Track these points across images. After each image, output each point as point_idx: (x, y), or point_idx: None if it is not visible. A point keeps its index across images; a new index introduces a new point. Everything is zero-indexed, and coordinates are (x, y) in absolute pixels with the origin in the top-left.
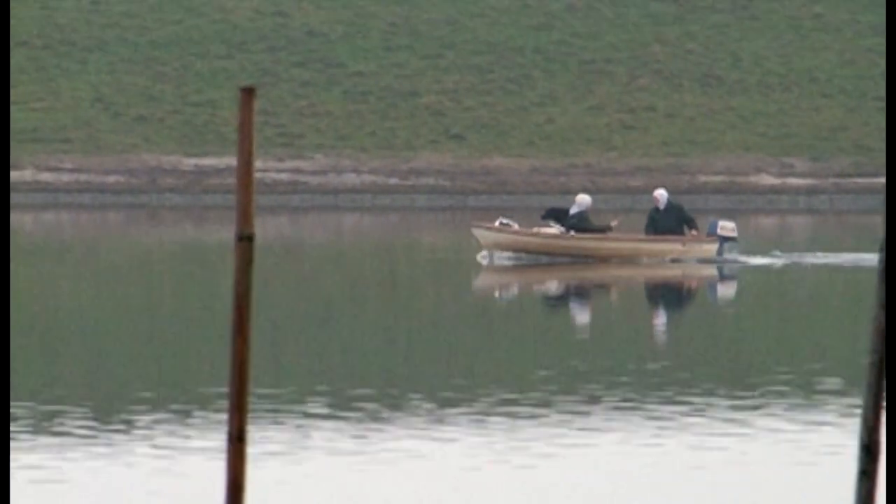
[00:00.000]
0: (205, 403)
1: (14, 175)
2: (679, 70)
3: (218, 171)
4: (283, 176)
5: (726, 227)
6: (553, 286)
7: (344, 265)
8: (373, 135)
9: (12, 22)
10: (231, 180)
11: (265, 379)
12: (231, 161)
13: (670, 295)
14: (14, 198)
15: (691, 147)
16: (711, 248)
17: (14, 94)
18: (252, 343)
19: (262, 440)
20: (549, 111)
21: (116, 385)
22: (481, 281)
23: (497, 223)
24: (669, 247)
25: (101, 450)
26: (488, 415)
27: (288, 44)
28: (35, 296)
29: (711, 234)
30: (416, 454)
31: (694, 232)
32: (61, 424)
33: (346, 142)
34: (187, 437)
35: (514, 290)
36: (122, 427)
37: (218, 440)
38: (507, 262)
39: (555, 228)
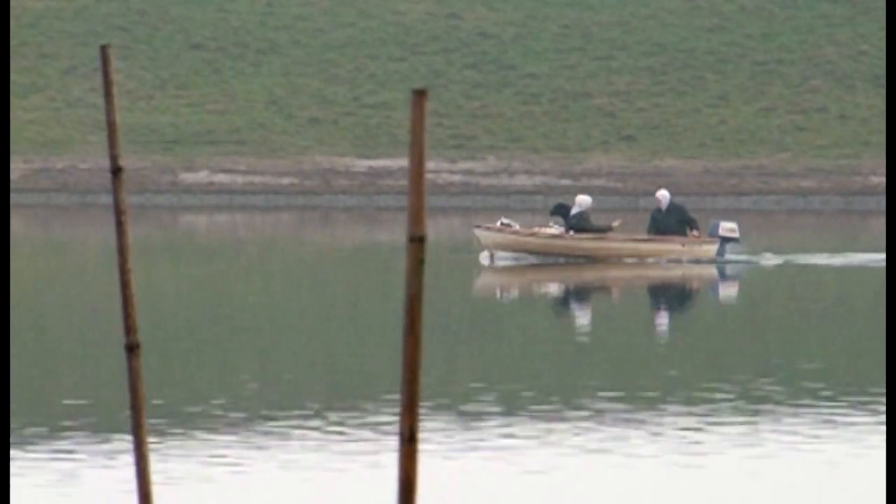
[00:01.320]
0: (376, 403)
1: (188, 177)
2: (851, 71)
3: (390, 173)
4: (455, 177)
5: (727, 227)
6: (555, 287)
7: (514, 267)
8: (544, 136)
9: (188, 24)
10: (403, 182)
11: (435, 379)
12: (403, 162)
13: (668, 296)
14: (188, 200)
15: (863, 148)
16: (710, 249)
17: (189, 96)
18: (424, 343)
19: (434, 440)
20: (721, 112)
21: (287, 385)
22: (482, 281)
23: (498, 223)
24: (668, 247)
25: (270, 452)
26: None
27: (460, 45)
28: (209, 297)
29: (713, 234)
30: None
31: (695, 233)
32: (234, 424)
33: (518, 143)
34: (359, 436)
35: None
36: (291, 427)
37: (385, 441)
38: (507, 263)
39: (554, 229)
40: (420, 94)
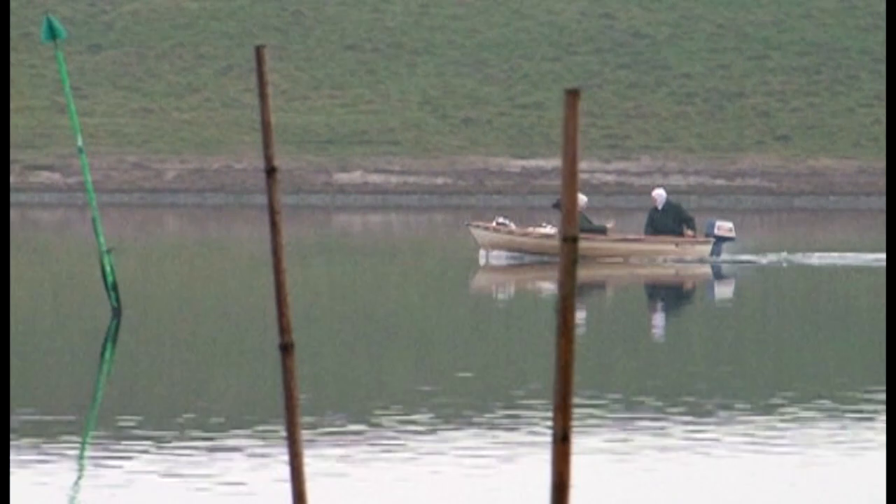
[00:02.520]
0: (528, 403)
1: (343, 177)
2: None
3: (544, 173)
4: (609, 177)
5: (723, 227)
6: (547, 287)
7: (672, 267)
8: (699, 136)
9: (343, 25)
10: (556, 182)
11: (587, 380)
12: (557, 162)
13: (662, 295)
14: (342, 200)
15: None
16: (704, 249)
17: (343, 96)
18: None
19: (585, 440)
20: (876, 112)
21: (444, 385)
22: (478, 280)
23: (494, 223)
24: (662, 247)
25: (421, 451)
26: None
27: (614, 46)
28: (363, 296)
29: (709, 234)
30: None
31: (690, 232)
32: (386, 424)
33: (672, 143)
34: (507, 437)
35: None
36: (441, 428)
37: (537, 441)
38: (502, 262)
39: (548, 228)
40: (573, 94)
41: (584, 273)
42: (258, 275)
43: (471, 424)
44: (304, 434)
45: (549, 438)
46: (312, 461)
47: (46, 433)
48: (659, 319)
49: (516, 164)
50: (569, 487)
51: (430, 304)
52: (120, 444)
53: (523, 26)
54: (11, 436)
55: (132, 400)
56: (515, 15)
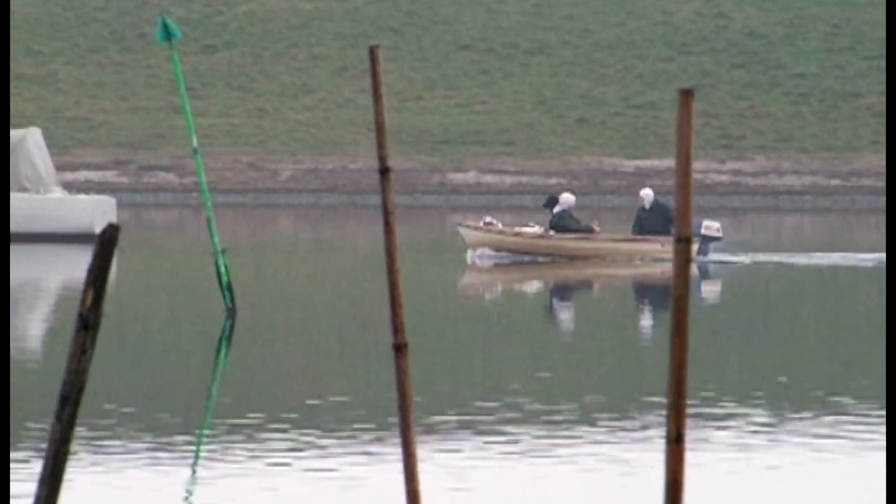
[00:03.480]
0: (645, 404)
1: (457, 177)
2: None
3: (658, 173)
4: (724, 177)
5: (711, 226)
6: (535, 287)
7: (787, 268)
8: (813, 136)
9: (456, 25)
10: (671, 182)
11: (704, 379)
12: (671, 162)
13: (647, 294)
14: (457, 200)
15: None
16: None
17: (457, 96)
18: (689, 344)
19: (701, 441)
20: None
21: (562, 388)
22: (467, 279)
23: (482, 222)
24: (648, 247)
25: (533, 452)
26: None
27: (728, 45)
28: (478, 297)
29: (696, 234)
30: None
31: None
32: (500, 424)
33: (787, 143)
34: (622, 437)
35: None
36: (553, 429)
37: (649, 441)
38: (487, 262)
39: (536, 228)
40: (687, 94)
41: (572, 273)
42: (372, 275)
43: (579, 424)
44: (418, 433)
45: (662, 439)
46: (425, 461)
47: (162, 433)
48: (645, 319)
49: (630, 165)
50: (682, 488)
51: (539, 302)
52: (234, 443)
53: (638, 26)
54: (127, 436)
55: (247, 400)
56: (630, 15)
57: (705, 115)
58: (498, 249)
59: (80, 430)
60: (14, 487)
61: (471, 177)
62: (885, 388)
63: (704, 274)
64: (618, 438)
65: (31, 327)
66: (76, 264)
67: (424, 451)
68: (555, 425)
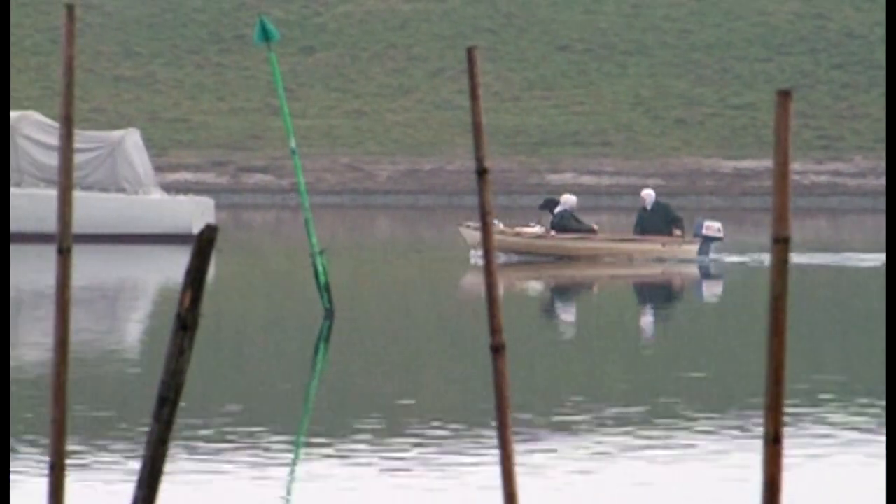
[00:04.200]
0: (742, 405)
1: (555, 178)
2: None
3: (756, 174)
4: (822, 178)
5: (712, 227)
6: (537, 287)
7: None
8: None
9: (554, 26)
10: (769, 182)
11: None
12: (769, 163)
13: (644, 295)
14: None
15: None
16: (691, 249)
17: (555, 97)
18: (788, 344)
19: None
20: None
21: (649, 388)
22: (470, 279)
23: None
24: (649, 247)
25: (629, 451)
26: None
27: (827, 46)
28: (574, 297)
29: (697, 234)
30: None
31: (678, 232)
32: (598, 424)
33: (886, 143)
34: (718, 437)
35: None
36: (648, 429)
37: (742, 440)
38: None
39: (537, 228)
40: (785, 95)
41: (573, 273)
42: (469, 276)
43: (673, 425)
44: (515, 434)
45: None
46: (522, 461)
47: (260, 434)
48: (647, 321)
49: (728, 165)
50: (780, 488)
51: (631, 302)
52: (334, 444)
53: (735, 27)
54: (226, 437)
55: (344, 400)
56: (728, 16)
57: (803, 115)
58: (501, 250)
59: (179, 431)
60: (114, 487)
61: (568, 178)
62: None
63: (706, 274)
64: (712, 439)
65: (130, 328)
66: (174, 265)
67: (526, 451)
68: (648, 426)
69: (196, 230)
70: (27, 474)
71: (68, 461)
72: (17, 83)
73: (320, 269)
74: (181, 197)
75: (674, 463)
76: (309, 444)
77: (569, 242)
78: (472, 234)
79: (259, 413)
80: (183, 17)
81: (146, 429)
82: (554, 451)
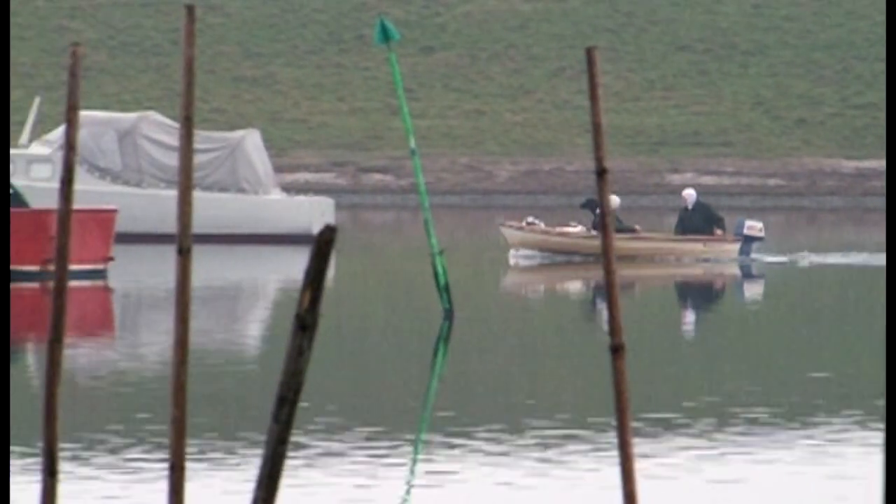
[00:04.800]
0: (847, 403)
1: (675, 178)
2: None
3: (878, 174)
4: None
5: (753, 227)
6: (576, 287)
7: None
8: None
9: (675, 26)
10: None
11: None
12: None
13: (691, 295)
14: (675, 201)
15: None
16: (733, 249)
17: (675, 97)
18: None
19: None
20: None
21: (774, 389)
22: (510, 280)
23: (524, 222)
24: (690, 247)
25: (747, 451)
26: None
27: None
28: (701, 298)
29: (738, 233)
30: None
31: (719, 232)
32: (716, 424)
33: None
34: (830, 439)
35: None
36: (761, 429)
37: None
38: (530, 262)
39: (578, 228)
40: None
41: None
42: (588, 276)
43: (784, 424)
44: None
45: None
46: (640, 461)
47: (379, 433)
48: (689, 319)
49: (849, 165)
50: None
51: (748, 303)
52: (453, 444)
53: (857, 27)
54: (345, 437)
55: (464, 400)
56: (849, 16)
57: None
58: (541, 249)
59: (298, 431)
60: (233, 487)
61: (688, 178)
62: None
63: (747, 274)
64: (824, 440)
65: (249, 328)
66: (294, 265)
67: (643, 452)
68: (758, 425)
69: (315, 230)
70: (148, 474)
71: (188, 461)
72: (138, 84)
73: (440, 269)
74: (301, 197)
75: (797, 464)
76: (428, 445)
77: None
78: (513, 233)
79: (378, 414)
80: (303, 18)
81: (265, 429)
82: (670, 450)
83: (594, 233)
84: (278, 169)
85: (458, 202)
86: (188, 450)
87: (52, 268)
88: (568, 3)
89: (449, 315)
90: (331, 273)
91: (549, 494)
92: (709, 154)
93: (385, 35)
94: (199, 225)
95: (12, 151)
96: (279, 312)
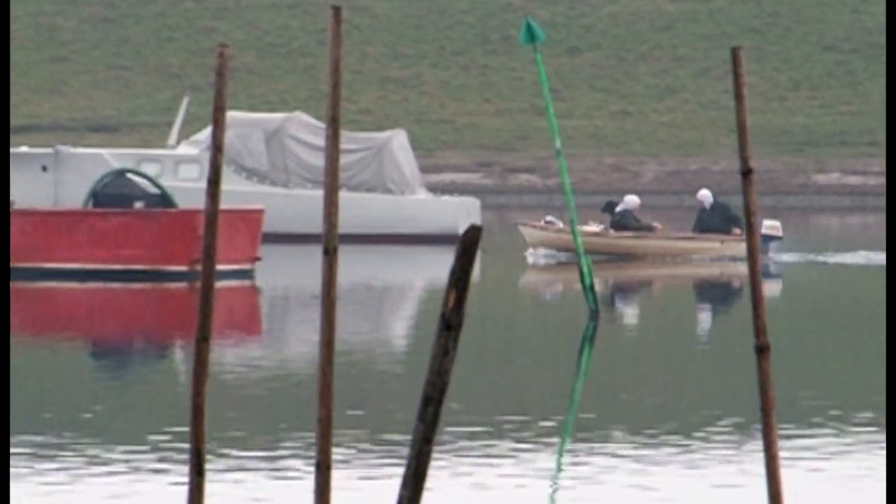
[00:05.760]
0: None
1: (820, 178)
2: None
3: None
4: None
5: (771, 226)
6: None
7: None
8: None
9: (821, 26)
10: None
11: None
12: None
13: (708, 294)
14: (820, 201)
15: None
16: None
17: (821, 97)
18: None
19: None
20: None
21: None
22: (528, 278)
23: (542, 221)
24: (708, 245)
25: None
26: None
27: None
28: (842, 297)
29: None
30: None
31: (737, 231)
32: (864, 424)
33: None
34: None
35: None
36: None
37: None
38: (547, 260)
39: (595, 227)
40: None
41: (630, 272)
42: (739, 277)
43: None
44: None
45: None
46: (786, 461)
47: (524, 434)
48: (705, 318)
49: None
50: None
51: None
52: (597, 445)
53: None
54: (492, 437)
55: (609, 400)
56: None
57: None
58: (559, 249)
59: (444, 431)
60: (379, 486)
61: (834, 178)
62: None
63: (765, 272)
64: None
65: (395, 328)
66: (439, 265)
67: (789, 453)
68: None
69: (461, 230)
70: (293, 473)
71: (334, 460)
72: (285, 84)
73: (585, 269)
74: (446, 198)
75: None
76: (574, 444)
77: (628, 241)
78: (531, 232)
79: (523, 413)
80: (449, 19)
81: (411, 428)
82: (817, 452)
83: (612, 232)
84: (424, 169)
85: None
86: (334, 449)
87: (199, 268)
88: (714, 3)
89: (594, 315)
90: (476, 273)
91: (698, 493)
92: (855, 154)
93: (531, 36)
94: (345, 225)
95: (161, 152)
96: (425, 312)
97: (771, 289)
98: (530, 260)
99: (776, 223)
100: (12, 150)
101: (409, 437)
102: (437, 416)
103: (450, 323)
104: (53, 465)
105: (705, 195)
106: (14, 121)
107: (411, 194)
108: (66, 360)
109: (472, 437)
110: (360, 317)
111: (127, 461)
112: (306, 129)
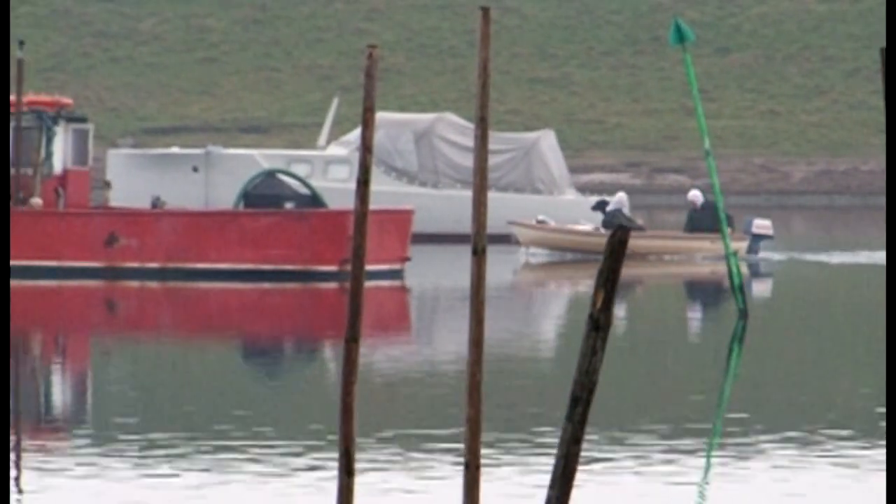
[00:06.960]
0: None
1: None
2: None
3: None
4: None
5: (762, 225)
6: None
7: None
8: None
9: None
10: None
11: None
12: None
13: (697, 293)
14: None
15: None
16: (740, 247)
17: None
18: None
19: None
20: None
21: None
22: (521, 277)
23: (535, 221)
24: (698, 244)
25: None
26: None
27: None
28: None
29: (747, 231)
30: None
31: (729, 230)
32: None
33: None
34: None
35: None
36: None
37: None
38: (541, 259)
39: (587, 226)
40: None
41: (625, 272)
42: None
43: None
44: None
45: None
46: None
47: (673, 433)
48: (696, 318)
49: None
50: None
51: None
52: (747, 443)
53: None
54: (639, 435)
55: (758, 401)
56: None
57: None
58: (551, 248)
59: (592, 431)
60: (527, 485)
61: None
62: None
63: (755, 271)
64: None
65: (543, 328)
66: (587, 266)
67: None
68: None
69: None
70: (442, 472)
71: (482, 459)
72: (435, 85)
73: (734, 269)
74: (595, 198)
75: None
76: (722, 443)
77: None
78: (523, 231)
79: (671, 413)
80: (598, 19)
81: (559, 428)
82: None
83: (602, 231)
84: (573, 169)
85: (754, 202)
86: (482, 449)
87: (349, 268)
88: (863, 3)
89: (743, 315)
90: (624, 273)
91: (820, 491)
92: None
93: (680, 36)
94: (494, 225)
95: (311, 152)
96: (573, 312)
97: (760, 288)
98: (523, 259)
99: (767, 222)
100: (164, 150)
101: (557, 436)
102: (586, 416)
103: (598, 323)
104: (202, 465)
105: (696, 195)
106: (165, 122)
107: (560, 194)
108: (217, 359)
109: (617, 441)
110: (509, 317)
111: (278, 460)
112: (455, 129)
